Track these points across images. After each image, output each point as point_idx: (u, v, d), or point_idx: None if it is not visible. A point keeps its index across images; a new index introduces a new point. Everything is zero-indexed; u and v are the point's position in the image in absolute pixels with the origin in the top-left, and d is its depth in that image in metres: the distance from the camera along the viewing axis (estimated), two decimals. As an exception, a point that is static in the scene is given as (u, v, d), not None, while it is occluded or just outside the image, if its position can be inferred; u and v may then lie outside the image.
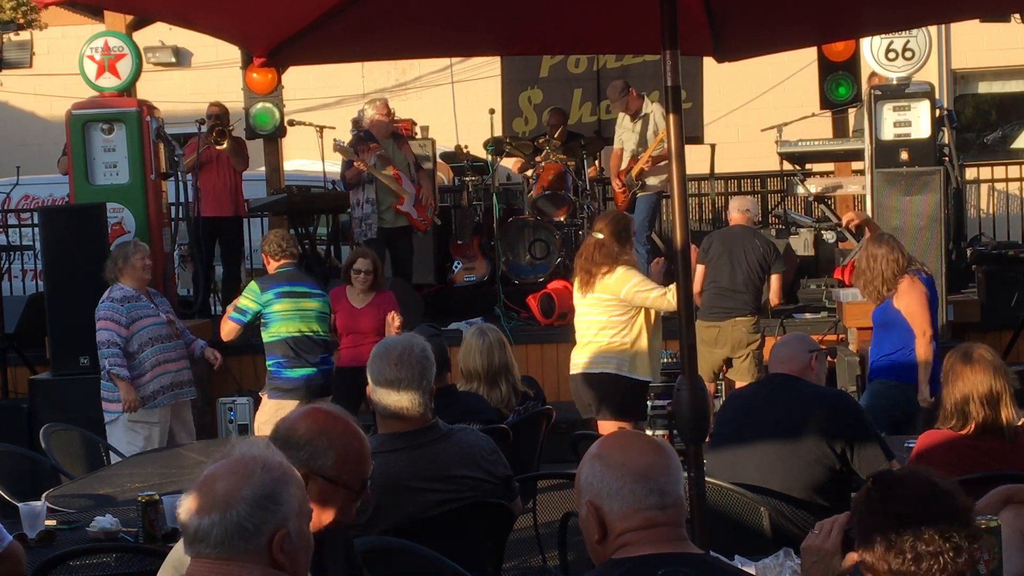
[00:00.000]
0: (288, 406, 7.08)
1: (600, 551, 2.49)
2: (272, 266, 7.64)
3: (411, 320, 8.43)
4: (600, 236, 6.80)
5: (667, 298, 6.52)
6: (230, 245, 11.10)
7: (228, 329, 7.58)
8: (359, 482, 2.99)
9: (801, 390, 4.74)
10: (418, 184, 10.21)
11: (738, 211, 8.55)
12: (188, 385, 7.61)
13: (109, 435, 7.31)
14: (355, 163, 9.84)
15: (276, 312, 7.44)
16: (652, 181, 10.13)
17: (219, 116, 10.76)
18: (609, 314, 6.75)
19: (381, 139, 10.09)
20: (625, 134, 10.49)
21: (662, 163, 9.71)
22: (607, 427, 6.59)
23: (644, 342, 6.74)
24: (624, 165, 10.45)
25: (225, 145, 10.53)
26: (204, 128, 10.55)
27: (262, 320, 7.52)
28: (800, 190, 10.44)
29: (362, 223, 9.96)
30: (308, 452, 2.93)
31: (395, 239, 10.18)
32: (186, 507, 2.29)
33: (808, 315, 9.82)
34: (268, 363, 7.57)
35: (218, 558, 2.25)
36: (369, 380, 3.99)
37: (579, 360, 6.90)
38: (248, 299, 7.53)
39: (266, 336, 7.54)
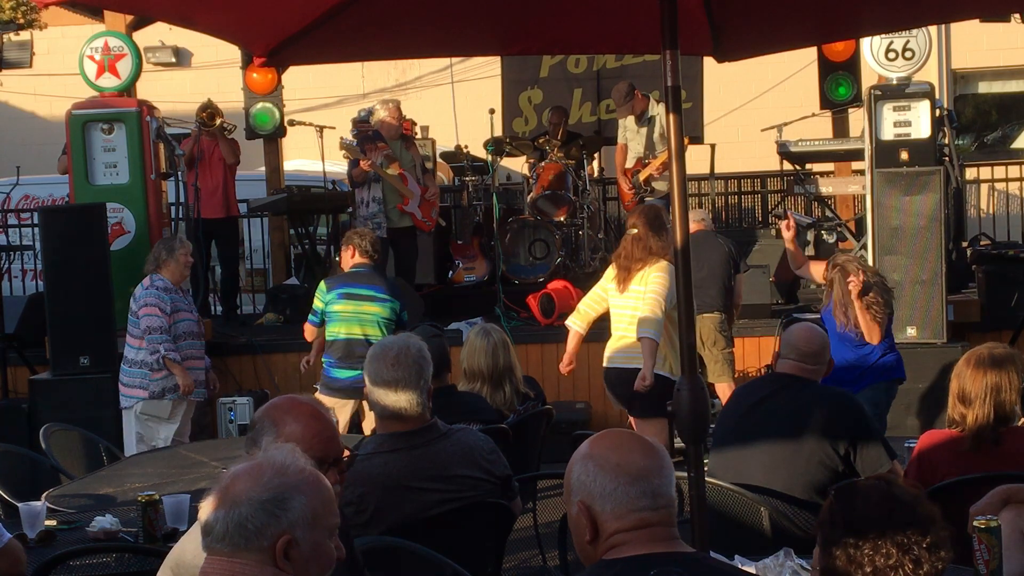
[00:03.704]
0: (339, 404, 7.18)
1: (591, 551, 2.47)
2: (348, 262, 7.61)
3: (412, 320, 8.42)
4: (635, 231, 6.67)
5: (652, 318, 6.39)
6: (226, 246, 11.09)
7: (307, 332, 7.69)
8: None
9: (804, 390, 4.72)
10: (424, 186, 10.22)
11: (694, 222, 8.55)
12: (202, 386, 7.70)
13: (125, 421, 7.50)
14: (361, 161, 9.83)
15: (335, 312, 7.45)
16: (660, 186, 10.09)
17: (209, 105, 10.64)
18: None
19: (389, 140, 10.10)
20: (630, 135, 10.46)
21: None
22: (644, 425, 6.38)
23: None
24: (630, 165, 10.43)
25: (217, 123, 10.47)
26: (197, 122, 10.52)
27: (325, 318, 7.53)
28: (812, 189, 10.44)
29: (369, 221, 9.95)
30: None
31: (399, 239, 10.20)
32: (205, 504, 2.32)
33: (808, 315, 9.81)
34: (323, 359, 7.60)
35: (228, 555, 2.25)
36: (367, 381, 3.99)
37: (616, 354, 6.70)
38: (317, 299, 7.58)
39: (326, 334, 7.56)
